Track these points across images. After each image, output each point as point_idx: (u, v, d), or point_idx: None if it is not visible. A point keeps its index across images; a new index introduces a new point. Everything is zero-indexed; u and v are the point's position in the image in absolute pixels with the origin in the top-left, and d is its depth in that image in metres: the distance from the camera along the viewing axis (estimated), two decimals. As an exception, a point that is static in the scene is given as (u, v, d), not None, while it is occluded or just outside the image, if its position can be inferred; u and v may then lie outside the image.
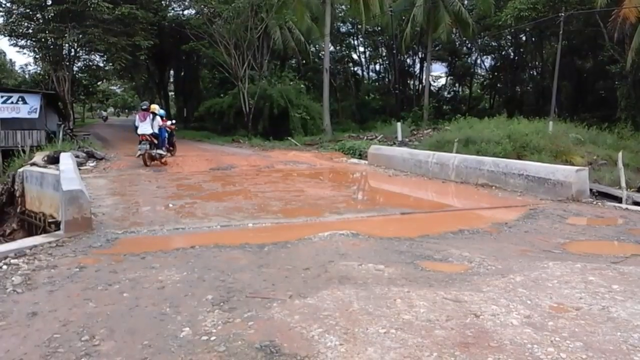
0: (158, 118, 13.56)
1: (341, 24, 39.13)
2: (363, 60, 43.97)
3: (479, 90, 45.46)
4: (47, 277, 4.18)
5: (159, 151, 13.56)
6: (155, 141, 13.37)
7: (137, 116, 13.58)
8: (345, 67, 41.04)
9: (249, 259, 4.71)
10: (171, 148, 15.19)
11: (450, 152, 13.49)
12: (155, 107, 13.94)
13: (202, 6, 24.84)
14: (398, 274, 4.16)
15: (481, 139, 15.66)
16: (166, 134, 14.37)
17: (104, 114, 64.76)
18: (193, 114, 33.82)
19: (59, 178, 7.38)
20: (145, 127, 12.99)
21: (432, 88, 37.90)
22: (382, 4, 26.86)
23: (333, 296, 3.60)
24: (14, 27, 22.86)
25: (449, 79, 44.67)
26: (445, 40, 30.96)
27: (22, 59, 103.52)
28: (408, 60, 40.50)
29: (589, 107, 28.76)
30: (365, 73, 44.98)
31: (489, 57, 39.80)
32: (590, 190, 9.04)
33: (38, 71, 32.91)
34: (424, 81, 36.07)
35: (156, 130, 13.33)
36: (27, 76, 36.98)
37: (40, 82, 29.46)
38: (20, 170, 11.59)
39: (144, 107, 13.77)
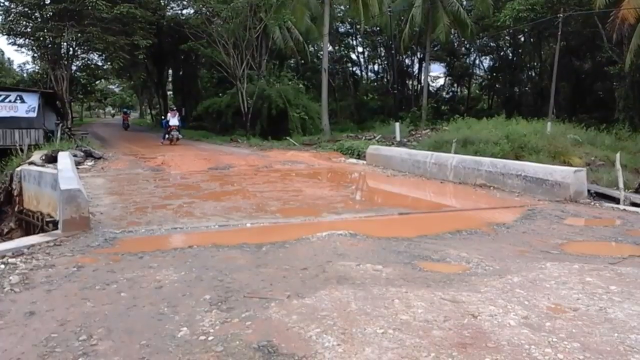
0: (177, 114, 21.75)
1: (340, 24, 39.13)
2: (362, 60, 44.03)
3: (477, 91, 45.48)
4: (44, 277, 4.17)
5: (179, 135, 21.21)
6: (178, 129, 21.14)
7: (169, 114, 21.63)
8: (343, 67, 41.06)
9: (247, 258, 4.71)
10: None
11: (449, 152, 13.49)
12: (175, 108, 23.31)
13: (201, 6, 24.81)
14: (396, 274, 4.16)
15: (479, 139, 15.67)
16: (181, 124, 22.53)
17: (112, 111, 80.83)
18: (191, 113, 33.79)
19: (57, 177, 7.35)
20: (175, 121, 20.94)
21: (430, 88, 37.97)
22: (380, 4, 26.88)
23: (331, 296, 3.60)
24: (12, 26, 22.72)
25: (447, 79, 44.74)
26: (443, 40, 30.96)
27: (20, 58, 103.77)
28: (407, 61, 40.55)
29: (587, 108, 28.82)
30: (363, 73, 45.07)
31: (488, 57, 39.89)
32: (588, 191, 9.06)
33: (36, 70, 32.75)
34: (422, 81, 36.09)
35: (179, 123, 21.35)
36: (25, 75, 36.79)
37: (39, 81, 29.31)
38: (18, 169, 11.55)
39: (173, 108, 23.46)
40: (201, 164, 14.02)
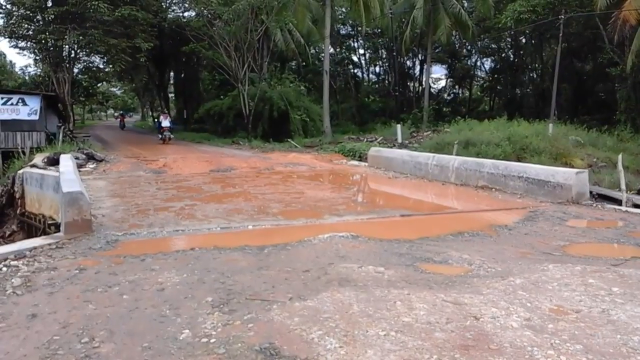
0: (168, 117, 26.22)
1: (341, 26, 39.17)
2: (363, 62, 44.01)
3: (478, 93, 45.45)
4: (46, 279, 4.18)
5: (171, 135, 24.26)
6: (170, 130, 24.28)
7: (162, 117, 25.63)
8: (345, 69, 41.04)
9: (249, 261, 4.71)
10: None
11: (450, 154, 13.48)
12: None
13: (202, 8, 24.86)
14: (398, 276, 4.16)
15: (481, 141, 15.65)
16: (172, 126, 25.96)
17: (115, 114, 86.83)
18: (193, 115, 33.83)
19: (59, 180, 7.37)
20: (166, 122, 24.36)
21: (432, 90, 37.87)
22: (382, 6, 26.93)
23: (333, 298, 3.60)
24: (14, 29, 22.80)
25: (448, 81, 44.64)
26: (445, 42, 30.96)
27: (22, 61, 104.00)
28: (408, 63, 40.51)
29: (589, 110, 28.80)
30: (365, 75, 45.02)
31: (489, 59, 39.84)
32: (590, 192, 9.05)
33: (38, 73, 32.86)
34: (423, 83, 36.09)
35: (170, 124, 24.71)
36: (27, 78, 36.90)
37: (41, 83, 29.42)
38: (20, 171, 11.57)
39: (165, 111, 28.81)
40: (203, 167, 14.03)
